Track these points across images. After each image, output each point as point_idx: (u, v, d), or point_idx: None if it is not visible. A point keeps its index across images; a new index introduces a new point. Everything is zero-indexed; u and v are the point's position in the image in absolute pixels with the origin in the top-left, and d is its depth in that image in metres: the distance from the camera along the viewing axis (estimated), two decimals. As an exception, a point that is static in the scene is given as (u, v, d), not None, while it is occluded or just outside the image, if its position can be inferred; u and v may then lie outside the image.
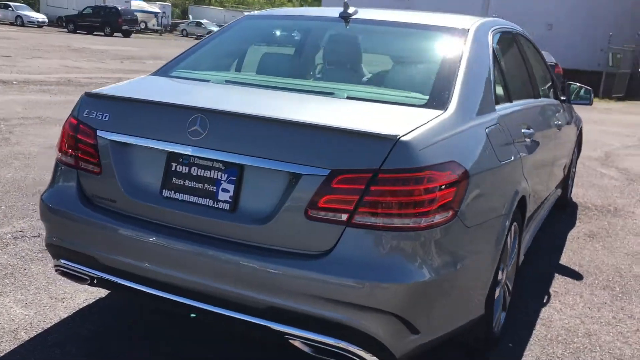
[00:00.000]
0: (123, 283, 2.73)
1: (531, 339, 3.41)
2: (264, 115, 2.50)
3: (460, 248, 2.54)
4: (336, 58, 3.66)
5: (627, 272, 4.53)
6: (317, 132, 2.42)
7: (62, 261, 2.92)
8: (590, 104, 5.40)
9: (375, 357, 2.37)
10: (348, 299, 2.32)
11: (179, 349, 3.11)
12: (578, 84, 5.47)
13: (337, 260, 2.33)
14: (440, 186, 2.37)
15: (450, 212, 2.41)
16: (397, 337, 2.39)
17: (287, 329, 2.42)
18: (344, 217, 2.34)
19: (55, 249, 2.94)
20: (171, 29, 61.27)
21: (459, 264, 2.52)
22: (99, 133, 2.79)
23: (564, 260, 4.76)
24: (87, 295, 3.59)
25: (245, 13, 3.96)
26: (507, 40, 4.05)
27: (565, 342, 3.38)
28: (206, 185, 2.57)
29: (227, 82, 3.26)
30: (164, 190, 2.65)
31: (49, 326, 3.23)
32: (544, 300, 3.90)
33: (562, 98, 5.30)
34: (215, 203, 2.55)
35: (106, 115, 2.80)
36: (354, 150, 2.36)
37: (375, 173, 2.31)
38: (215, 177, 2.56)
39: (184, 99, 2.82)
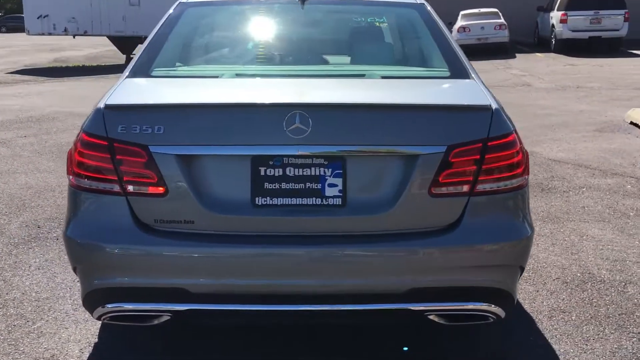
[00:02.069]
0: (223, 308, 2.47)
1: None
2: (375, 102, 2.47)
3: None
4: (331, 39, 3.63)
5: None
6: (428, 111, 2.49)
7: (115, 305, 2.51)
8: None
9: (501, 309, 2.57)
10: (485, 262, 2.47)
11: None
12: None
13: (468, 229, 2.46)
14: (521, 147, 2.63)
15: (527, 172, 2.69)
16: (516, 284, 2.62)
17: (428, 305, 2.49)
18: (466, 188, 2.47)
19: (104, 293, 2.50)
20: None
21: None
22: (154, 149, 2.44)
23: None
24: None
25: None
26: None
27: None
28: (308, 184, 2.45)
29: (240, 75, 3.03)
30: (256, 199, 2.45)
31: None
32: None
33: None
34: (324, 200, 2.45)
35: (159, 128, 2.45)
36: (463, 123, 2.49)
37: (485, 142, 2.48)
38: (318, 173, 2.45)
39: (253, 97, 2.60)
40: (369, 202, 2.46)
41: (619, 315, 3.40)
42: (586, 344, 3.12)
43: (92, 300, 2.54)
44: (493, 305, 2.53)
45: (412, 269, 2.44)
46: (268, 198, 2.45)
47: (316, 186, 2.45)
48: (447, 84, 2.90)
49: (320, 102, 2.49)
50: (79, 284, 2.67)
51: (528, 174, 2.58)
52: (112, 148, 2.46)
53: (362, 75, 3.01)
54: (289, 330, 3.18)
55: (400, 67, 3.32)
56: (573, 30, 19.43)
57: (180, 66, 3.16)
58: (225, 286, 2.45)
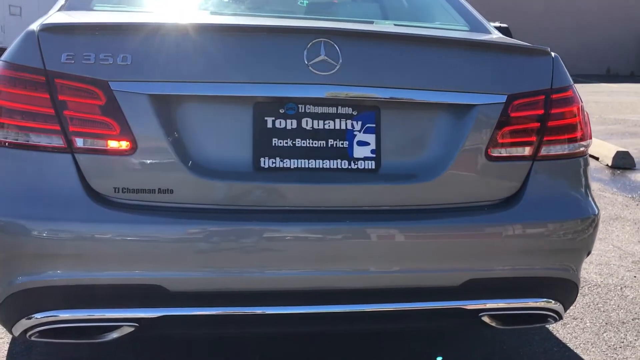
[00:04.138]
0: (213, 313, 1.75)
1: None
2: (424, 35, 1.89)
3: None
4: None
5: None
6: (485, 51, 1.95)
7: (49, 314, 1.71)
8: None
9: (562, 306, 2.04)
10: (553, 245, 1.93)
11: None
12: None
13: (532, 203, 1.91)
14: (582, 105, 2.15)
15: (590, 135, 2.21)
16: (580, 273, 2.09)
17: (485, 303, 1.90)
18: (528, 150, 1.94)
19: (33, 296, 1.70)
20: None
21: None
22: (116, 87, 1.70)
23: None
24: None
25: None
26: None
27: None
28: (331, 141, 1.82)
29: (215, 14, 2.31)
30: (261, 159, 1.77)
31: None
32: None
33: None
34: (352, 163, 1.82)
35: (124, 57, 1.72)
36: (523, 70, 1.97)
37: (548, 94, 1.97)
38: (344, 127, 1.82)
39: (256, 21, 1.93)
40: (410, 166, 1.86)
41: (632, 320, 3.00)
42: (615, 353, 2.66)
43: (12, 308, 1.72)
44: (553, 302, 1.99)
45: (470, 255, 1.85)
46: (277, 159, 1.78)
47: (342, 144, 1.82)
48: (476, 34, 2.37)
49: (355, 29, 1.87)
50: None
51: (591, 138, 2.09)
52: (53, 84, 1.70)
53: (370, 22, 2.42)
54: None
55: (413, 22, 2.76)
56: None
57: (133, 6, 2.41)
58: (217, 281, 1.73)
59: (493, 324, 1.96)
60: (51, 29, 1.75)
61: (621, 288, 3.41)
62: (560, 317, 2.04)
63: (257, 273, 1.74)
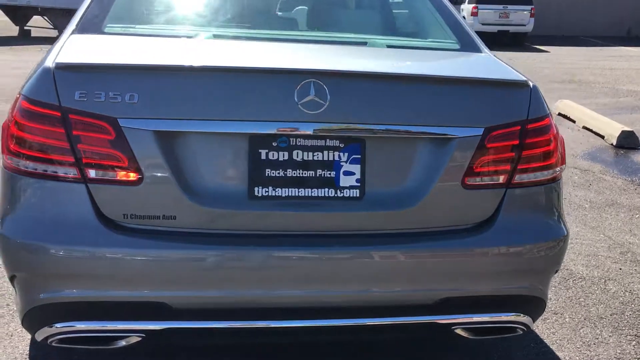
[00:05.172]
0: (212, 326, 1.97)
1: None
2: (408, 73, 2.05)
3: None
4: (324, 6, 3.11)
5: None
6: (464, 86, 2.09)
7: (68, 324, 1.94)
8: None
9: (530, 318, 2.24)
10: (523, 266, 2.12)
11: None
12: None
13: (504, 227, 2.09)
14: (557, 132, 2.30)
15: (563, 160, 2.36)
16: (548, 289, 2.29)
17: (457, 317, 2.10)
18: (502, 178, 2.10)
19: (54, 309, 1.93)
20: None
21: None
22: (125, 123, 1.89)
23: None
24: None
25: None
26: None
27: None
28: (320, 172, 2.00)
29: (218, 37, 2.46)
30: (255, 189, 1.96)
31: None
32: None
33: None
34: (339, 191, 2.00)
35: (131, 96, 1.90)
36: (500, 102, 2.12)
37: (524, 124, 2.12)
38: (332, 158, 2.00)
39: (253, 61, 2.09)
40: (392, 194, 2.04)
41: (610, 315, 3.19)
42: (589, 349, 2.87)
43: (35, 318, 1.96)
44: (522, 315, 2.19)
45: (445, 275, 2.05)
46: (270, 188, 1.97)
47: (329, 174, 2.00)
48: (462, 57, 2.51)
49: (342, 69, 2.03)
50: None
51: (564, 163, 2.25)
52: (68, 120, 1.88)
53: (363, 44, 2.56)
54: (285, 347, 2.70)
55: (404, 38, 2.89)
56: (483, 24, 19.78)
57: (140, 23, 2.57)
58: (215, 299, 1.95)
59: (465, 335, 2.16)
60: (66, 68, 1.92)
61: (605, 281, 3.59)
62: (529, 328, 2.24)
63: (251, 291, 1.96)
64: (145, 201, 1.91)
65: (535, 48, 19.98)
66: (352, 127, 1.99)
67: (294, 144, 1.98)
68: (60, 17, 16.24)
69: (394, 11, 3.11)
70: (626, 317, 3.19)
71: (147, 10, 2.68)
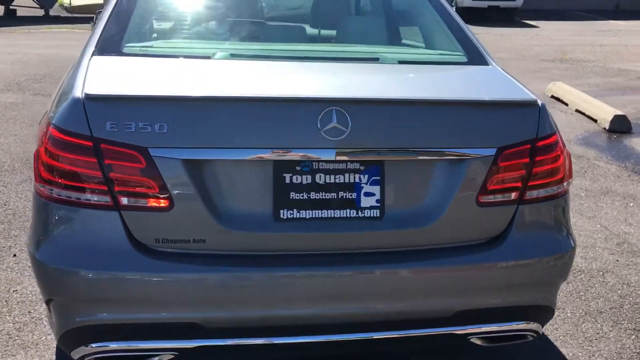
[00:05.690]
0: (242, 343, 2.07)
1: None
2: (424, 99, 2.12)
3: None
4: (330, 16, 3.16)
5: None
6: (477, 108, 2.17)
7: (103, 345, 2.03)
8: None
9: (540, 325, 2.36)
10: (534, 278, 2.23)
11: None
12: None
13: (516, 242, 2.20)
14: (565, 148, 2.38)
15: (570, 175, 2.45)
16: (556, 297, 2.41)
17: (473, 328, 2.22)
18: (514, 195, 2.20)
19: (90, 331, 2.02)
20: None
21: None
22: (155, 153, 1.96)
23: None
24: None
25: None
26: None
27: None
28: (341, 194, 2.08)
29: (235, 56, 2.52)
30: (281, 211, 2.05)
31: None
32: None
33: None
34: (360, 212, 2.09)
35: (161, 126, 1.97)
36: (511, 122, 2.20)
37: (534, 143, 2.21)
38: (353, 180, 2.09)
39: (277, 89, 2.16)
40: (410, 213, 2.13)
41: (610, 309, 3.33)
42: (591, 345, 3.01)
43: (71, 339, 2.05)
44: (532, 323, 2.31)
45: (461, 289, 2.15)
46: (294, 210, 2.05)
47: (350, 196, 2.09)
48: (472, 73, 2.59)
49: (362, 97, 2.10)
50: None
51: (571, 177, 2.35)
52: (99, 150, 1.95)
53: (376, 59, 2.63)
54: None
55: (413, 51, 2.96)
56: (473, -1, 19.76)
57: (156, 40, 2.61)
58: (245, 318, 2.05)
59: (479, 343, 2.28)
60: (96, 99, 1.98)
61: (603, 274, 3.72)
62: (538, 334, 2.36)
63: (277, 310, 2.06)
64: (176, 226, 1.99)
65: (525, 23, 19.98)
66: (372, 150, 2.07)
67: (316, 167, 2.06)
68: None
69: (399, 19, 3.17)
70: (625, 310, 3.33)
71: (160, 25, 2.73)
